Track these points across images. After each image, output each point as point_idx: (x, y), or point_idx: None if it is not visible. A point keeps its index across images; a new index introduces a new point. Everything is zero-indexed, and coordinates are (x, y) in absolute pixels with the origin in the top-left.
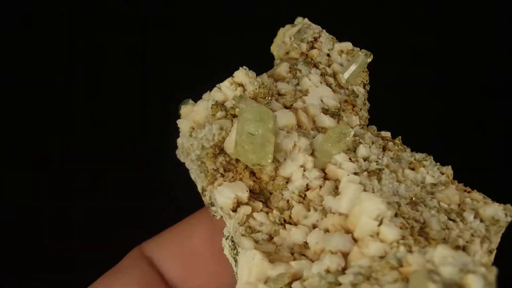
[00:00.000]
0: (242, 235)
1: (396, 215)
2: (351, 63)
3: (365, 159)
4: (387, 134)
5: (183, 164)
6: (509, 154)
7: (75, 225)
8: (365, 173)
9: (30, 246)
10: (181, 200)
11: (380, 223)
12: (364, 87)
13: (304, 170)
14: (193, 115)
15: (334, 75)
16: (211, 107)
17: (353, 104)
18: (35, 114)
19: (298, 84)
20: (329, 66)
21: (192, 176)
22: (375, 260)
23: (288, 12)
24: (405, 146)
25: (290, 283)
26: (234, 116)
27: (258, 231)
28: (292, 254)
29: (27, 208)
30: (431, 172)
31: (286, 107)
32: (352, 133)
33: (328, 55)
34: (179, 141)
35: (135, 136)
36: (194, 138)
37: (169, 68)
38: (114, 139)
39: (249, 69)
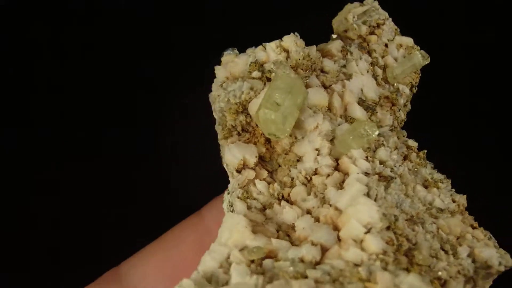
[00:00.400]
0: (238, 197)
1: (388, 228)
2: (406, 60)
3: (381, 163)
4: (414, 144)
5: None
6: None
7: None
8: (376, 176)
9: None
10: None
11: (368, 232)
12: (411, 89)
13: (318, 154)
14: (231, 66)
15: (385, 68)
16: (250, 64)
17: (393, 103)
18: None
19: (344, 66)
20: (383, 57)
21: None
22: (349, 265)
23: None
24: (427, 162)
25: (263, 258)
26: (269, 79)
27: (254, 199)
28: (278, 231)
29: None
30: (443, 196)
31: (324, 86)
32: (376, 133)
33: (386, 45)
34: (213, 86)
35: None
36: (223, 89)
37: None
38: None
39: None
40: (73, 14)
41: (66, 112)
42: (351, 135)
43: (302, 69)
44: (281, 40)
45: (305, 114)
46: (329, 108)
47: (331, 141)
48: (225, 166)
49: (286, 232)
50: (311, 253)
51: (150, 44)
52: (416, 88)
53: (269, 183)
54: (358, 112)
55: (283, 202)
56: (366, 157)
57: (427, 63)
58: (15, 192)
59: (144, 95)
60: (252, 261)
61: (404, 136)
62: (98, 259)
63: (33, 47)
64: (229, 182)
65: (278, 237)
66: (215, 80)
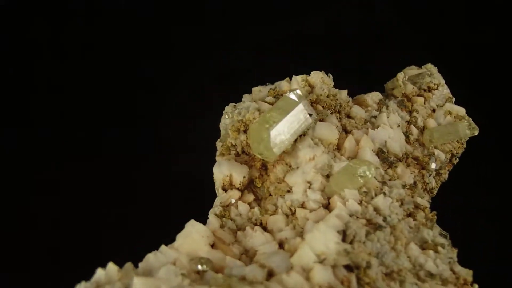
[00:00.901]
0: (215, 214)
1: (351, 269)
2: (448, 126)
3: (375, 210)
4: (425, 204)
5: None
6: None
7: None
8: (364, 221)
9: None
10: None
11: (320, 262)
12: (450, 158)
13: (309, 187)
14: (255, 94)
15: (423, 129)
16: (269, 90)
17: (423, 166)
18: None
19: (375, 117)
20: (425, 119)
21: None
22: None
23: None
24: (436, 225)
25: (207, 271)
26: None
27: (231, 219)
28: (242, 254)
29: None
30: (439, 261)
31: (345, 130)
32: (374, 175)
33: (434, 110)
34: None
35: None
36: (234, 107)
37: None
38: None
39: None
40: (73, 14)
41: (66, 112)
42: (347, 172)
43: (322, 106)
44: (309, 74)
45: (303, 143)
46: (338, 148)
47: (327, 177)
48: (214, 183)
49: (251, 257)
50: (254, 273)
51: (150, 44)
52: (458, 160)
53: (251, 208)
54: (368, 157)
55: (256, 227)
56: (361, 201)
57: (473, 134)
58: (15, 192)
59: (144, 95)
60: (197, 272)
61: (420, 196)
62: (98, 259)
63: (33, 47)
64: None
65: (239, 259)
66: (230, 104)
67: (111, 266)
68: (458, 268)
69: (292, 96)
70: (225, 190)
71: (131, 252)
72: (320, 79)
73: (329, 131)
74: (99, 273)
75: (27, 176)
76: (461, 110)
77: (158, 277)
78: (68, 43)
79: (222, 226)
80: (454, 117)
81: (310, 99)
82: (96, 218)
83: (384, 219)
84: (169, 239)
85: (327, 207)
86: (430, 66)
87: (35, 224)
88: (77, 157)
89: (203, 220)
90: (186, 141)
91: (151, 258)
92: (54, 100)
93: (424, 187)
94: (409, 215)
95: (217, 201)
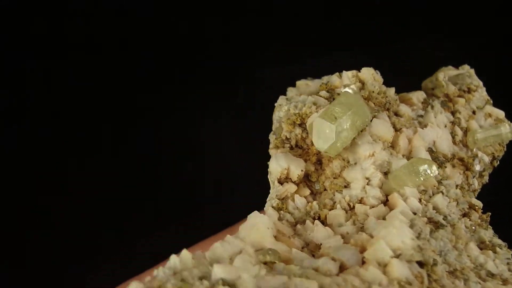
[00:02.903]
0: (272, 206)
1: (421, 265)
2: (491, 128)
3: (435, 209)
4: (478, 203)
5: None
6: None
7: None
8: (425, 219)
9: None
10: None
11: (396, 257)
12: (491, 161)
13: (368, 184)
14: (303, 88)
15: (466, 131)
16: (321, 85)
17: (467, 167)
18: None
19: (422, 116)
20: (467, 120)
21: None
22: (364, 284)
23: None
24: (490, 226)
25: (274, 262)
26: (334, 98)
27: (289, 212)
28: (303, 248)
29: None
30: (498, 261)
31: (394, 128)
32: (436, 173)
33: (474, 112)
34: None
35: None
36: (287, 100)
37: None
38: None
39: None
40: (73, 14)
41: (66, 112)
42: (408, 170)
43: (374, 103)
44: (359, 70)
45: (363, 139)
46: (393, 146)
47: (385, 174)
48: (268, 175)
49: (311, 251)
50: (327, 265)
51: (150, 44)
52: (498, 162)
53: (308, 202)
54: (423, 154)
55: (316, 221)
56: (420, 199)
57: None
58: (15, 192)
59: (143, 95)
60: (265, 263)
61: (471, 197)
62: (98, 259)
63: (33, 47)
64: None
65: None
66: (282, 96)
67: (186, 252)
68: None
69: (350, 91)
70: (281, 183)
71: (131, 253)
72: (371, 76)
73: (385, 128)
74: (173, 259)
75: (27, 176)
76: (501, 113)
77: (236, 266)
78: (68, 43)
79: (280, 219)
80: (494, 119)
81: (362, 96)
82: (95, 218)
83: (445, 218)
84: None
85: (386, 204)
86: (467, 67)
87: (34, 224)
88: (77, 157)
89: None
90: (186, 140)
91: (218, 247)
92: (53, 100)
93: (468, 188)
94: (464, 215)
95: (272, 194)
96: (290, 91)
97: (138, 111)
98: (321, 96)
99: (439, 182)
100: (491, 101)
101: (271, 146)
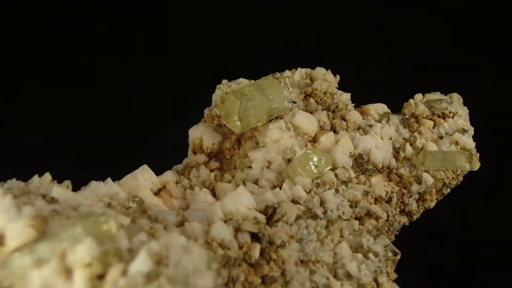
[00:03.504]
0: (176, 170)
1: (257, 238)
2: (446, 152)
3: (321, 202)
4: (379, 213)
5: None
6: None
7: None
8: (302, 207)
9: None
10: None
11: (225, 221)
12: (440, 188)
13: (267, 167)
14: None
15: (419, 151)
16: (273, 75)
17: (405, 185)
18: None
19: (371, 126)
20: (427, 141)
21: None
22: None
23: None
24: (384, 238)
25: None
26: None
27: (187, 178)
28: (180, 209)
29: None
30: (365, 266)
31: (334, 130)
32: (326, 166)
33: (441, 137)
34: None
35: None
36: (227, 83)
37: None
38: None
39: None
40: (73, 14)
41: (65, 112)
42: (302, 159)
43: (316, 100)
44: (313, 69)
45: (276, 124)
46: (314, 140)
47: (289, 161)
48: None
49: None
50: (167, 218)
51: (150, 44)
52: (449, 191)
53: (212, 172)
54: (338, 155)
55: (204, 189)
56: (310, 190)
57: (472, 169)
58: None
59: (143, 95)
60: (127, 208)
61: (387, 212)
62: None
63: (32, 47)
64: None
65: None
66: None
67: (47, 175)
68: (384, 280)
69: (274, 78)
70: (194, 153)
71: None
72: (322, 76)
73: (308, 121)
74: (35, 178)
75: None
76: (470, 144)
77: (83, 195)
78: (68, 43)
79: (177, 182)
80: (460, 148)
81: (305, 91)
82: None
83: (324, 212)
84: None
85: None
86: (455, 95)
87: None
88: (76, 156)
89: None
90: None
91: (93, 184)
92: (53, 99)
93: (402, 207)
94: (358, 218)
95: (184, 161)
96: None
97: None
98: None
99: (344, 182)
100: (469, 132)
101: (202, 120)
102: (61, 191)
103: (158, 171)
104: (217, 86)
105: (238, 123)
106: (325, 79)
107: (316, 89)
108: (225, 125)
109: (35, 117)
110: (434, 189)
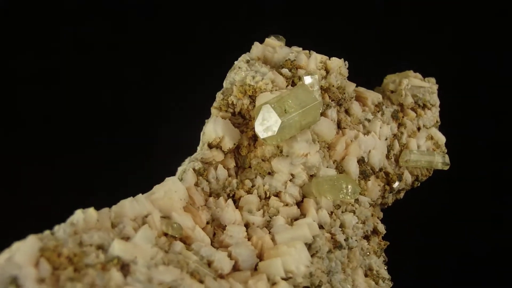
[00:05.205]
0: (194, 169)
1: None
2: (426, 153)
3: (341, 226)
4: (382, 230)
5: None
6: None
7: None
8: (328, 235)
9: None
10: None
11: (286, 279)
12: (413, 182)
13: (290, 180)
14: (269, 51)
15: (403, 147)
16: (286, 60)
17: (389, 182)
18: None
19: (369, 120)
20: (409, 136)
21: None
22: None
23: None
24: (383, 255)
25: (176, 239)
26: (294, 84)
27: (207, 181)
28: (208, 223)
29: None
30: None
31: (338, 125)
32: (356, 197)
33: (419, 129)
34: (241, 57)
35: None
36: (248, 65)
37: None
38: None
39: None
40: (73, 13)
41: (64, 111)
42: (332, 183)
43: (330, 96)
44: (329, 58)
45: (303, 136)
46: (330, 147)
47: (311, 176)
48: (201, 134)
49: (215, 229)
50: (222, 263)
51: (150, 44)
52: (419, 184)
53: (229, 176)
54: (353, 168)
55: (229, 201)
56: (332, 212)
57: (443, 169)
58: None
59: (143, 94)
60: (165, 235)
61: (378, 218)
62: None
63: (32, 47)
64: None
65: (204, 229)
66: (246, 53)
67: (91, 211)
68: None
69: (310, 80)
70: (210, 147)
71: None
72: (338, 68)
73: (328, 129)
74: (78, 215)
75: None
76: (442, 139)
77: (136, 242)
78: (68, 43)
79: (196, 185)
80: (433, 143)
81: (322, 86)
82: None
83: (346, 239)
84: None
85: (300, 204)
86: (433, 81)
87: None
88: (75, 157)
89: None
90: (187, 140)
91: (126, 205)
92: (53, 99)
93: (381, 201)
94: (366, 237)
95: (198, 155)
96: (256, 46)
97: None
98: (282, 75)
99: (357, 199)
100: (439, 124)
101: (215, 104)
102: (123, 246)
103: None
104: (237, 65)
105: (278, 139)
106: (340, 71)
107: (333, 85)
108: (240, 114)
109: (34, 117)
110: (409, 185)
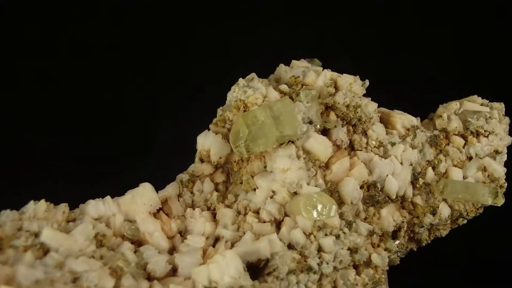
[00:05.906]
0: (180, 180)
1: None
2: (469, 184)
3: (319, 250)
4: (378, 263)
5: None
6: None
7: None
8: (299, 256)
9: None
10: None
11: (208, 287)
12: (455, 219)
13: (271, 197)
14: (284, 71)
15: (443, 176)
16: (290, 77)
17: (418, 215)
18: None
19: (393, 144)
20: (455, 166)
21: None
22: None
23: None
24: (376, 286)
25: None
26: (291, 97)
27: (191, 192)
28: (180, 232)
29: None
30: None
31: (352, 146)
32: (331, 216)
33: (470, 158)
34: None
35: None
36: (246, 83)
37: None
38: None
39: None
40: (72, 13)
41: (64, 111)
42: (306, 201)
43: (337, 114)
44: (340, 75)
45: (286, 151)
46: (327, 167)
47: (295, 194)
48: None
49: (184, 238)
50: (156, 266)
51: (150, 44)
52: (465, 222)
53: (217, 190)
54: (347, 190)
55: (205, 212)
56: (309, 233)
57: (495, 204)
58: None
59: (143, 94)
60: (122, 237)
61: (386, 249)
62: None
63: (32, 48)
64: None
65: (173, 237)
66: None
67: (42, 203)
68: None
69: (290, 101)
70: (202, 161)
71: None
72: (347, 85)
73: (322, 147)
74: (31, 205)
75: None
76: (500, 171)
77: (72, 235)
78: (68, 43)
79: (180, 196)
80: (488, 175)
81: (327, 103)
82: None
83: (320, 263)
84: None
85: (280, 223)
86: (498, 105)
87: None
88: (74, 156)
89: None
90: (186, 141)
91: (91, 204)
92: (52, 99)
93: (411, 235)
94: (355, 266)
95: (190, 168)
96: (280, 67)
97: None
98: (277, 90)
99: (349, 223)
100: (501, 157)
101: (214, 120)
102: (52, 234)
103: (157, 173)
104: (232, 87)
105: (245, 150)
106: (350, 89)
107: (339, 102)
108: None
109: (34, 117)
110: (449, 220)
